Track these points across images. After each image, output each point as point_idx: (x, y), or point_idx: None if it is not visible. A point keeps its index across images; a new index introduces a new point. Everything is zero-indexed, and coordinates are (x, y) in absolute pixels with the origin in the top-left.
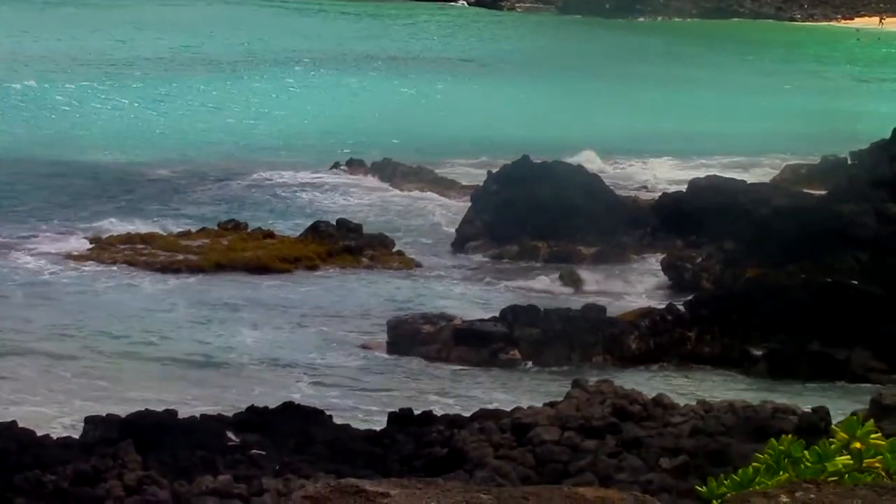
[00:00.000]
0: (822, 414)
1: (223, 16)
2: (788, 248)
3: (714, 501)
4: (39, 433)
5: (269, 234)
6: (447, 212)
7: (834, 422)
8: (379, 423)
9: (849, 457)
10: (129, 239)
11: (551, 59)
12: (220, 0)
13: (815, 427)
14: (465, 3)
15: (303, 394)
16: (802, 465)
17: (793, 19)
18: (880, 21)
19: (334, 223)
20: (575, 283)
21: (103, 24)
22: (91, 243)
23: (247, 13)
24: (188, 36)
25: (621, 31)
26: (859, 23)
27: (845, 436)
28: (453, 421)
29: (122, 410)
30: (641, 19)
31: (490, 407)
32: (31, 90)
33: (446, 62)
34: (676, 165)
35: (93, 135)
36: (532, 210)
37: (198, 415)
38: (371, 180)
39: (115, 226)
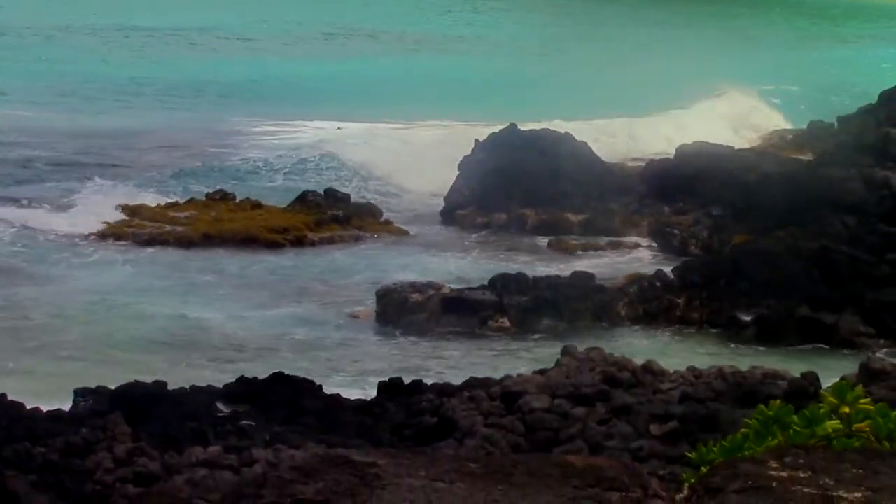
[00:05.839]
0: (811, 379)
1: None
2: (776, 213)
3: (703, 467)
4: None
5: (257, 205)
6: (434, 180)
7: (823, 387)
8: (369, 393)
9: (838, 421)
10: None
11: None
12: None
13: (804, 392)
14: None
15: (292, 364)
16: (791, 431)
17: None
18: None
19: (322, 192)
20: (563, 249)
21: None
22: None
23: None
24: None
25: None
26: None
27: (834, 400)
28: (443, 390)
29: (112, 382)
30: None
31: (479, 375)
32: None
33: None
34: None
35: None
36: (520, 178)
37: (187, 386)
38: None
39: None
